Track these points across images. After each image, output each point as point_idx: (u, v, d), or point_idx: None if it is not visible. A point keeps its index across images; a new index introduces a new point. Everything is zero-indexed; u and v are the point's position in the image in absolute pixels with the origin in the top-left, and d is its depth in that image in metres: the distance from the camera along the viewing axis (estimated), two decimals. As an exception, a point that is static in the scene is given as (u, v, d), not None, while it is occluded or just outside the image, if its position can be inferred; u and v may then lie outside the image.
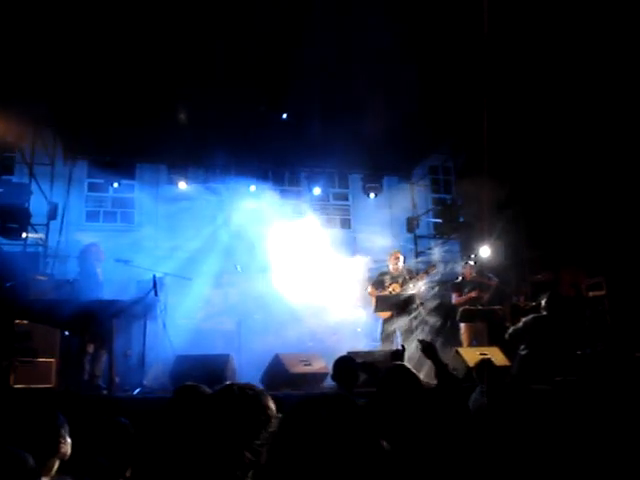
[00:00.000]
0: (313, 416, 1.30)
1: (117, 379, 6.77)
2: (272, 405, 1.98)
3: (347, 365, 5.03)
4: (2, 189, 9.75)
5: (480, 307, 9.13)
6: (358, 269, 10.73)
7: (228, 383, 2.06)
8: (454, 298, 9.50)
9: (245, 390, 1.99)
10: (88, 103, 10.04)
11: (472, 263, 9.75)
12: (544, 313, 6.82)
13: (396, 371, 3.47)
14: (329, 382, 7.26)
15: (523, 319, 7.05)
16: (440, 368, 4.03)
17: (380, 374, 3.58)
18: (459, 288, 9.52)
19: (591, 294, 9.69)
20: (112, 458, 2.96)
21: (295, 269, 11.32)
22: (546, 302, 6.87)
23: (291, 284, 11.08)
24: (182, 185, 12.62)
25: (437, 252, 13.77)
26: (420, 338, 6.21)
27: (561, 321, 7.06)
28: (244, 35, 8.44)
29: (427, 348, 4.18)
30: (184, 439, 1.99)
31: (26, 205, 9.93)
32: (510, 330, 7.18)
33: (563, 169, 10.50)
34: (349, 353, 7.41)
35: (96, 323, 6.82)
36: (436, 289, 12.08)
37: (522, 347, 6.75)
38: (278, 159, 13.21)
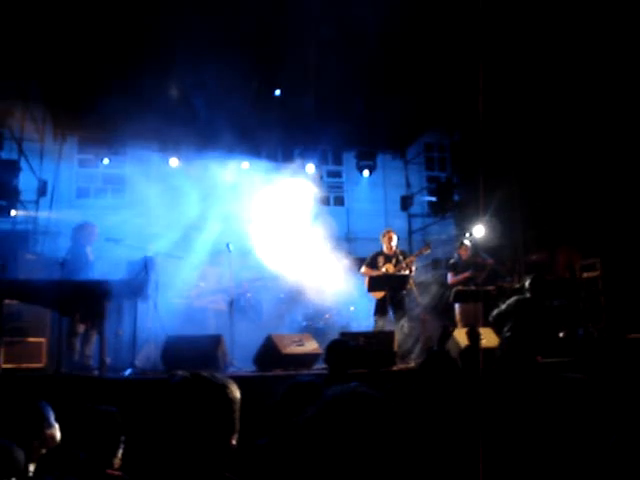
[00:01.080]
0: (341, 423, 1.27)
1: (108, 359, 6.71)
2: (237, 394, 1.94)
3: (340, 349, 4.98)
4: (-10, 166, 9.62)
5: (474, 287, 9.10)
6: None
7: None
8: (450, 278, 9.47)
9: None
10: (78, 78, 9.87)
11: (468, 243, 9.69)
12: (527, 295, 6.77)
13: (437, 357, 3.44)
14: (321, 363, 7.26)
15: (507, 301, 7.01)
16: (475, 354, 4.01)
17: (421, 360, 3.55)
18: (454, 268, 9.48)
19: (585, 275, 9.67)
20: (94, 451, 2.91)
21: (288, 248, 11.26)
22: (529, 284, 6.82)
23: (284, 263, 11.03)
24: (174, 162, 12.47)
25: (431, 231, 13.74)
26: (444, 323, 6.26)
27: (544, 303, 7.04)
28: (236, 8, 8.28)
29: (473, 334, 4.16)
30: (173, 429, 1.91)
31: (15, 182, 9.79)
32: (494, 312, 7.15)
33: (560, 147, 10.43)
34: (342, 334, 7.40)
35: (87, 303, 6.75)
36: (430, 269, 12.08)
37: (506, 329, 6.70)
38: (271, 136, 13.05)
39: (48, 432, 3.15)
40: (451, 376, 3.31)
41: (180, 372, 2.93)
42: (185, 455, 1.79)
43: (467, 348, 5.30)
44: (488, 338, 7.15)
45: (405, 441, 1.28)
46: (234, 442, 1.87)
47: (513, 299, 6.86)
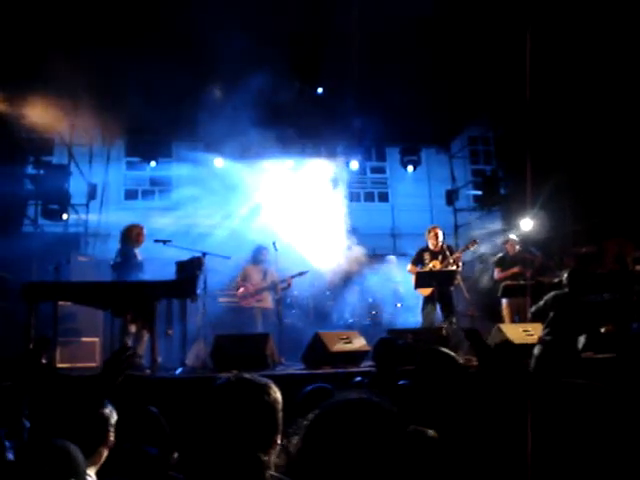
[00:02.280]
0: (340, 428, 1.26)
1: (159, 359, 6.83)
2: (277, 394, 1.96)
3: (388, 347, 4.97)
4: (42, 171, 9.87)
5: (522, 282, 8.96)
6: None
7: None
8: (496, 274, 9.33)
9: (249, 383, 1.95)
10: (124, 83, 10.05)
11: (515, 238, 9.53)
12: (566, 290, 6.58)
13: (431, 354, 3.41)
14: (369, 360, 7.25)
15: (545, 297, 6.84)
16: (483, 354, 3.93)
17: (417, 358, 3.50)
18: (502, 263, 9.34)
19: (638, 268, 9.38)
20: (160, 446, 2.89)
21: (333, 245, 11.28)
22: (567, 278, 6.63)
23: (330, 260, 11.05)
24: (219, 162, 12.58)
25: (477, 226, 13.55)
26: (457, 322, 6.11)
27: (583, 297, 6.84)
28: (277, 9, 8.31)
29: (470, 335, 4.08)
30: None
31: (66, 186, 10.05)
32: (532, 309, 7.01)
33: (609, 137, 10.16)
34: (389, 331, 7.38)
35: (137, 304, 6.88)
36: (478, 264, 11.93)
37: (545, 328, 6.50)
38: (314, 133, 13.08)
39: (111, 434, 3.12)
40: (449, 373, 3.25)
41: (224, 375, 2.97)
42: (228, 455, 1.82)
43: (499, 345, 5.18)
44: (537, 334, 7.01)
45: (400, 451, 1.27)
46: (278, 441, 1.88)
47: (551, 294, 6.68)
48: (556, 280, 8.25)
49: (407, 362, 5.93)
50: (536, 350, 6.23)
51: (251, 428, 1.84)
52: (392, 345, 4.98)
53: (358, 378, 4.84)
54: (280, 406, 1.94)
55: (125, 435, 3.15)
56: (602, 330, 6.46)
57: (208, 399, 1.94)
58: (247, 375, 1.98)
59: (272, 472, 1.86)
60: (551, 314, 6.35)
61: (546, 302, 6.62)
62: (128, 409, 3.37)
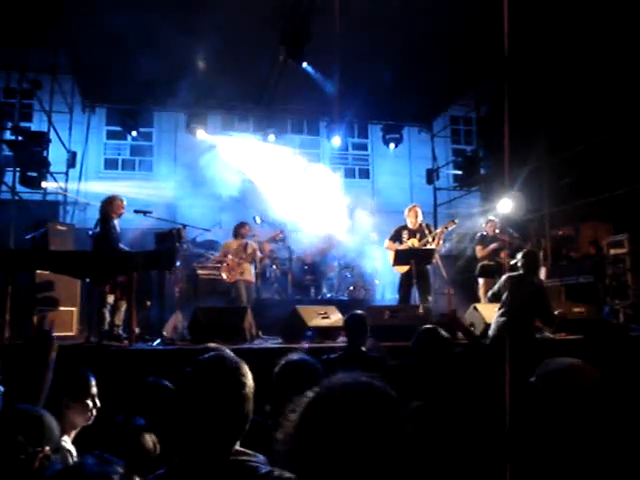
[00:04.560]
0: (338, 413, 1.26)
1: (137, 329, 6.84)
2: (249, 379, 1.97)
3: (358, 323, 5.05)
4: (21, 137, 9.72)
5: (499, 261, 9.08)
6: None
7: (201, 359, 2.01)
8: (478, 251, 9.42)
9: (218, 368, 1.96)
10: (106, 50, 9.90)
11: (495, 219, 9.63)
12: (520, 271, 6.61)
13: (427, 334, 3.44)
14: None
15: (499, 280, 6.88)
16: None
17: (412, 338, 3.54)
18: (482, 242, 9.43)
19: (613, 252, 9.54)
20: (151, 418, 2.87)
21: (313, 219, 11.32)
22: (521, 259, 6.66)
23: (309, 235, 11.10)
24: (201, 133, 12.49)
25: (457, 205, 13.67)
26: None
27: (537, 278, 6.90)
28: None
29: (449, 323, 4.12)
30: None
31: (45, 154, 9.93)
32: (489, 293, 7.06)
33: (588, 120, 10.24)
34: (368, 308, 7.45)
35: (116, 274, 6.87)
36: (456, 243, 12.05)
37: (499, 309, 6.53)
38: (298, 108, 13.04)
39: (86, 400, 3.09)
40: (445, 354, 3.31)
41: (212, 345, 2.99)
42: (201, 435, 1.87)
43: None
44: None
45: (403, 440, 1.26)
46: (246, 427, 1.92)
47: (505, 276, 6.71)
48: (512, 262, 8.36)
49: (384, 339, 6.05)
50: (491, 331, 6.28)
51: (223, 417, 1.87)
52: (363, 320, 5.04)
53: (325, 356, 4.88)
54: (251, 393, 1.95)
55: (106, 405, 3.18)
56: (556, 312, 6.50)
57: (185, 380, 1.95)
58: (223, 356, 1.99)
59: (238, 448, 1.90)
60: (505, 295, 6.37)
61: (500, 284, 6.64)
62: (106, 379, 3.39)
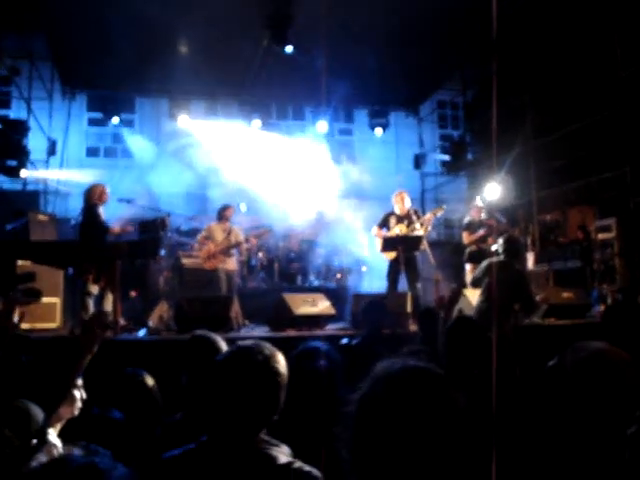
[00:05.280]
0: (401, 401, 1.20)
1: (122, 320, 6.73)
2: (282, 367, 1.97)
3: (378, 309, 5.01)
4: (-1, 125, 9.54)
5: (485, 247, 9.02)
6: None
7: (237, 346, 2.02)
8: (465, 237, 9.35)
9: (253, 356, 1.93)
10: (86, 34, 9.70)
11: (480, 204, 9.56)
12: (501, 257, 6.58)
13: (461, 324, 3.38)
14: (334, 324, 7.28)
15: (481, 265, 6.84)
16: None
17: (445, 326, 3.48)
18: (469, 227, 9.36)
19: (601, 236, 9.54)
20: (130, 413, 2.84)
21: (300, 206, 11.23)
22: (502, 245, 6.61)
23: (295, 222, 11.01)
24: (184, 119, 12.31)
25: (444, 190, 13.61)
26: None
27: (518, 264, 6.88)
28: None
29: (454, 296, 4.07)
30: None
31: (24, 142, 9.73)
32: (471, 280, 7.03)
33: (574, 104, 10.21)
34: (355, 296, 7.40)
35: (100, 264, 6.75)
36: (443, 229, 12.00)
37: (481, 294, 6.50)
38: (282, 93, 12.88)
39: (77, 392, 3.04)
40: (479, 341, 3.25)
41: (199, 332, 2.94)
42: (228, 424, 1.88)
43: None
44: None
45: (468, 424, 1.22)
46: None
47: (485, 263, 6.67)
48: (494, 248, 8.33)
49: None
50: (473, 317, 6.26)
51: (253, 405, 1.88)
52: (382, 308, 5.01)
53: (344, 340, 4.85)
54: (285, 382, 1.96)
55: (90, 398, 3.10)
56: (537, 298, 6.47)
57: (221, 364, 1.97)
58: (259, 343, 2.00)
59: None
60: (486, 281, 6.34)
61: (481, 270, 6.60)
62: (90, 371, 3.30)
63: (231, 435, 1.87)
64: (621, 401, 1.63)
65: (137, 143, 13.00)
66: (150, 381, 3.20)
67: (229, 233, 8.87)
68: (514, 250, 6.57)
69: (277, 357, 1.97)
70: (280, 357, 1.99)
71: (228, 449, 1.85)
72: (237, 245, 8.90)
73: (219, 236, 8.81)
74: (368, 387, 1.26)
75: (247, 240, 9.03)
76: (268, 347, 1.99)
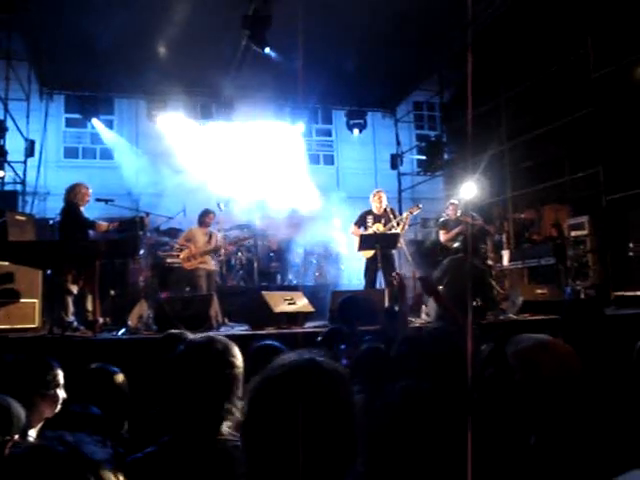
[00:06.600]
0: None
1: (101, 319, 6.75)
2: (237, 360, 1.99)
3: (353, 306, 5.06)
4: (-25, 126, 9.48)
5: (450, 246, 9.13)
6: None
7: (191, 341, 2.07)
8: (442, 236, 9.46)
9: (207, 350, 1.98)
10: (63, 35, 9.67)
11: (456, 202, 9.69)
12: (460, 255, 6.69)
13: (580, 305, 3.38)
14: (313, 321, 7.35)
15: (441, 264, 6.94)
16: (441, 304, 3.99)
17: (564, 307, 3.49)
18: (445, 225, 9.48)
19: (574, 234, 9.72)
20: (107, 409, 2.86)
21: (278, 206, 11.30)
22: (461, 243, 6.73)
23: (274, 221, 11.08)
24: (161, 120, 12.31)
25: (421, 190, 13.75)
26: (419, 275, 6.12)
27: (477, 261, 6.98)
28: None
29: (426, 284, 4.11)
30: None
31: (1, 142, 9.68)
32: (432, 277, 7.14)
33: (550, 104, 10.38)
34: (333, 293, 7.49)
35: (79, 263, 6.76)
36: (419, 227, 12.12)
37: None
38: (260, 94, 12.92)
39: (56, 391, 3.00)
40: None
41: (174, 331, 2.96)
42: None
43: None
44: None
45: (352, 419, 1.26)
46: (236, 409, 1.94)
47: (446, 260, 6.74)
48: (455, 245, 8.45)
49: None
50: (433, 313, 6.36)
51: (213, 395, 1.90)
52: (357, 304, 5.06)
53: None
54: (241, 374, 1.97)
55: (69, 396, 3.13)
56: (496, 293, 6.58)
57: (175, 361, 1.98)
58: (213, 338, 2.02)
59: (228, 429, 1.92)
60: (446, 279, 6.43)
61: (442, 268, 6.69)
62: (70, 370, 3.33)
63: (193, 432, 1.86)
64: (560, 391, 1.68)
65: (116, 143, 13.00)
66: (119, 377, 3.21)
67: (210, 237, 9.00)
68: (472, 247, 6.68)
69: (232, 350, 1.99)
70: (235, 350, 2.00)
71: (191, 447, 1.84)
72: (216, 250, 9.02)
73: (200, 239, 8.93)
74: (257, 381, 1.30)
75: (227, 246, 9.20)
76: (222, 340, 2.01)
